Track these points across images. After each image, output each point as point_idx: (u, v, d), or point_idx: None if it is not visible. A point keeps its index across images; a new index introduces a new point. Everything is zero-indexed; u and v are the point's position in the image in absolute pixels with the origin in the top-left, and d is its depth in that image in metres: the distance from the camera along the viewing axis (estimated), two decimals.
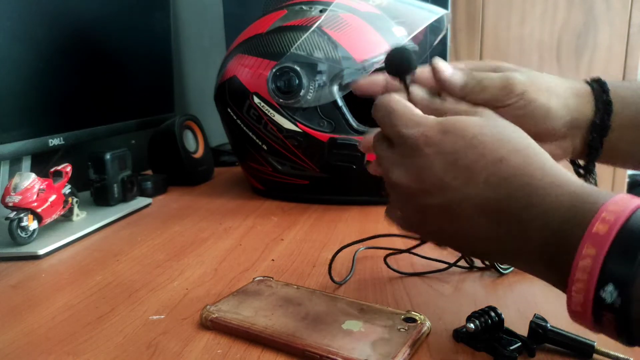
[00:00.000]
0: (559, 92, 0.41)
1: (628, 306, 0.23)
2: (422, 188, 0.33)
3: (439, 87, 0.40)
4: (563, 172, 0.29)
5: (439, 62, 0.40)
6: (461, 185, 0.31)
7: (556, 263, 0.27)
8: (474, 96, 0.39)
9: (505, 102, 0.39)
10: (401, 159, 0.34)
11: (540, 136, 0.39)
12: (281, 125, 0.71)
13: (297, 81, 0.69)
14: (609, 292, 0.24)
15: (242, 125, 0.76)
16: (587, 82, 0.43)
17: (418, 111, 0.35)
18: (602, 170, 0.44)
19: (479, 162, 0.30)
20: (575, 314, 0.26)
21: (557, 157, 0.42)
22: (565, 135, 0.41)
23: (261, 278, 0.46)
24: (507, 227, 0.30)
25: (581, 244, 0.25)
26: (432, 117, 0.34)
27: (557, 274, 0.28)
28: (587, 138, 0.41)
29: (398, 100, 0.36)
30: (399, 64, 0.38)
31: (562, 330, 0.34)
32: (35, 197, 0.58)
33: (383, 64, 0.40)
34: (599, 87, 0.42)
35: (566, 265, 0.26)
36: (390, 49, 0.39)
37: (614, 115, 0.40)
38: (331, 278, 0.47)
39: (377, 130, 0.38)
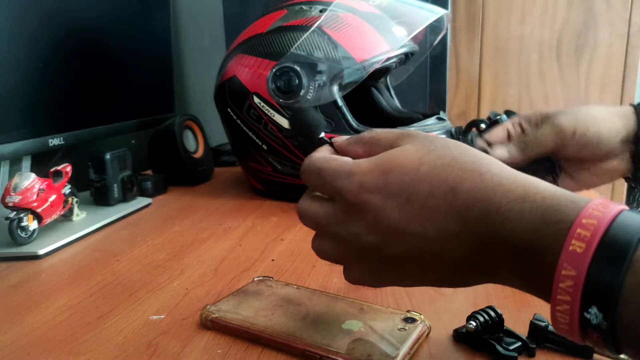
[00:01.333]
0: (606, 118, 0.50)
1: (614, 328, 0.22)
2: (381, 240, 0.30)
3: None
4: (522, 185, 0.27)
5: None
6: (422, 226, 0.28)
7: (536, 282, 0.26)
8: (539, 151, 0.51)
9: (563, 147, 0.50)
10: (347, 215, 0.31)
11: (599, 157, 0.51)
12: (281, 125, 0.71)
13: (297, 81, 0.69)
14: (594, 314, 0.23)
15: (242, 125, 0.76)
16: (631, 105, 0.51)
17: (346, 159, 0.32)
18: None
19: (431, 197, 0.28)
20: (561, 331, 0.25)
21: (616, 174, 0.52)
22: (621, 151, 0.50)
23: (261, 278, 0.46)
24: (477, 257, 0.28)
25: (559, 265, 0.23)
26: (363, 160, 0.31)
27: (539, 291, 0.26)
28: (634, 150, 0.49)
29: (322, 157, 0.33)
30: (307, 125, 0.38)
31: None
32: (35, 197, 0.58)
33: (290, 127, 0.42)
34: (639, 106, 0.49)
35: (547, 284, 0.24)
36: (291, 115, 0.40)
37: None
38: None
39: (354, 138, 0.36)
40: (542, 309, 0.39)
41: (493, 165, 0.29)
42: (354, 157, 0.33)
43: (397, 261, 0.31)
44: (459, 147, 0.30)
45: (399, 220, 0.29)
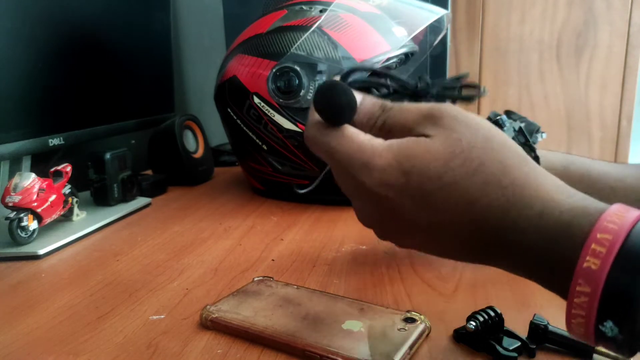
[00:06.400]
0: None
1: (630, 342, 0.22)
2: (394, 227, 0.32)
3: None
4: (542, 200, 0.27)
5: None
6: (436, 226, 0.30)
7: (552, 284, 0.27)
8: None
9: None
10: (364, 202, 0.33)
11: None
12: (281, 125, 0.71)
13: (297, 81, 0.69)
14: (609, 328, 0.23)
15: (242, 125, 0.76)
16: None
17: (363, 138, 0.30)
18: None
19: (448, 208, 0.28)
20: (577, 336, 0.25)
21: None
22: None
23: (261, 278, 0.46)
24: (493, 259, 0.29)
25: (573, 281, 0.23)
26: (384, 153, 0.29)
27: (555, 291, 0.27)
28: None
29: (338, 134, 0.31)
30: (337, 104, 0.31)
31: (562, 330, 0.34)
32: (35, 197, 0.58)
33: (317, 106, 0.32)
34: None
35: (562, 289, 0.25)
36: (319, 86, 0.32)
37: None
38: None
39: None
40: (542, 309, 0.39)
41: (519, 174, 0.28)
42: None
43: (405, 243, 0.33)
44: (489, 150, 0.28)
45: (413, 218, 0.30)
